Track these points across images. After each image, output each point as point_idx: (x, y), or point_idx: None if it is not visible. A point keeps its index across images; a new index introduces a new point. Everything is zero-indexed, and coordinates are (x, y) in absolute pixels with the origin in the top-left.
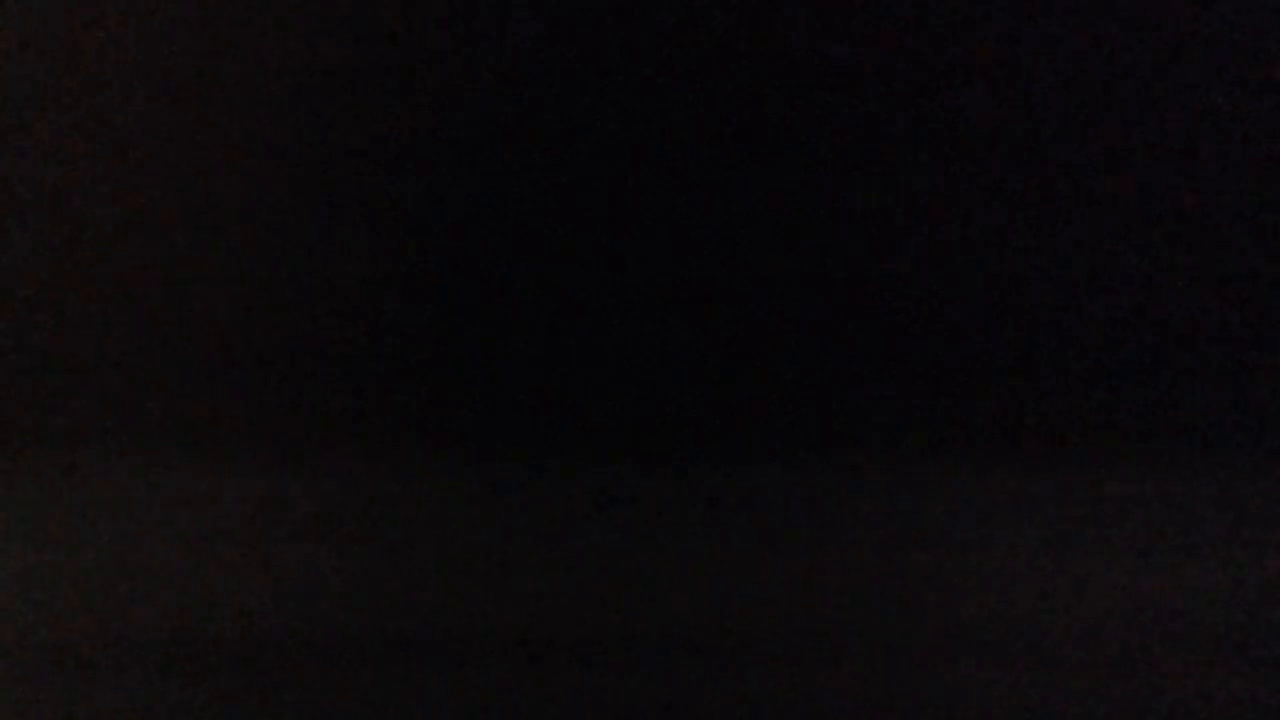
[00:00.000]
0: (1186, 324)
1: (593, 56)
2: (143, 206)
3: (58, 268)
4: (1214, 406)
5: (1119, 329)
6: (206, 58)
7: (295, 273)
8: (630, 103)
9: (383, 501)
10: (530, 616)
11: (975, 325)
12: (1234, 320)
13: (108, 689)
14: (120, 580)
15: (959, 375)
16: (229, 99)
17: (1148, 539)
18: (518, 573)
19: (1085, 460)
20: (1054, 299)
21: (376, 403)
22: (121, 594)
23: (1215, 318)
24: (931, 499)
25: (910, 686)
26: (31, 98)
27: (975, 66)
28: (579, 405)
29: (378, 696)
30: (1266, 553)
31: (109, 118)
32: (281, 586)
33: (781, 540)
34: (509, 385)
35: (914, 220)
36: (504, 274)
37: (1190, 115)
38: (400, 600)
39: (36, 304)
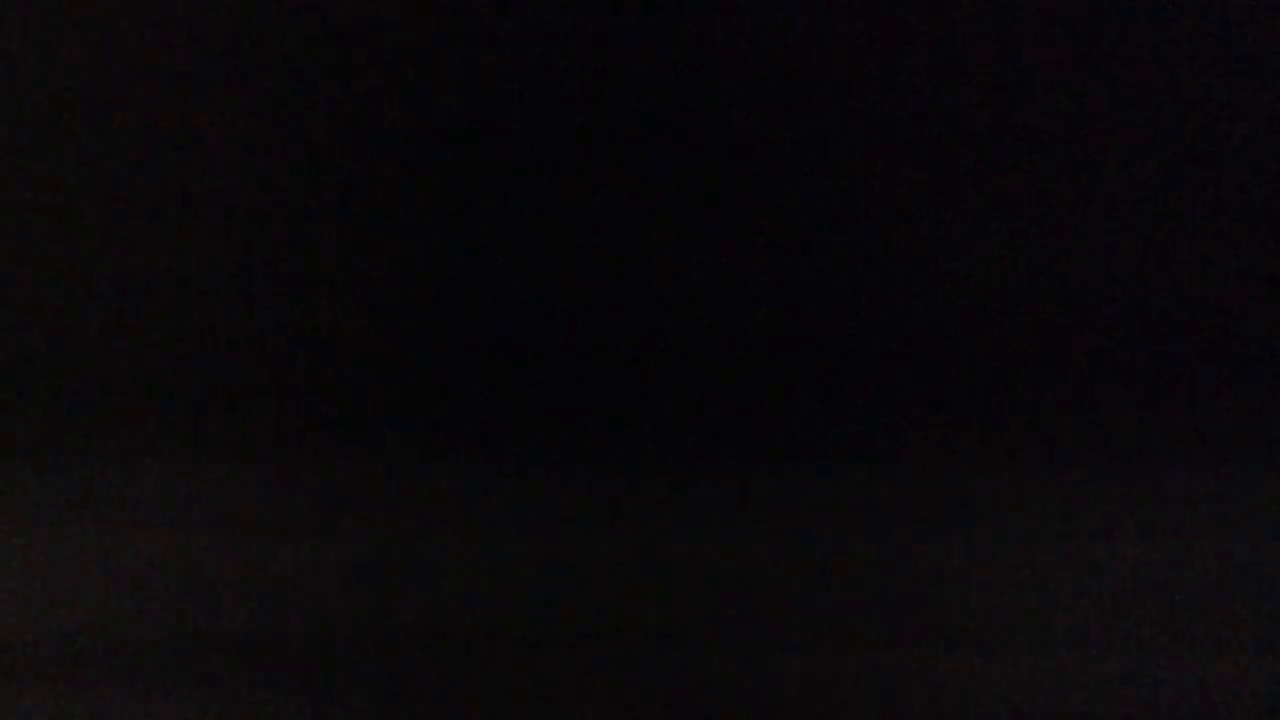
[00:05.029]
0: (1187, 326)
1: (592, 57)
2: (143, 206)
3: (57, 268)
4: (1214, 408)
5: (1120, 331)
6: (207, 58)
7: (295, 273)
8: (635, 103)
9: (385, 502)
10: (533, 617)
11: (976, 327)
12: (1234, 322)
13: (107, 689)
14: (120, 581)
15: (960, 377)
16: (230, 99)
17: (1147, 539)
18: (520, 573)
19: (1086, 462)
20: (1056, 302)
21: (379, 403)
22: (121, 594)
23: (1216, 319)
24: (933, 500)
25: (911, 684)
26: (31, 98)
27: (981, 68)
28: (583, 405)
29: (378, 697)
30: (1265, 554)
31: (109, 117)
32: (281, 587)
33: (781, 541)
34: (511, 385)
35: (916, 222)
36: (506, 275)
37: (1190, 116)
38: (402, 601)
39: (35, 305)
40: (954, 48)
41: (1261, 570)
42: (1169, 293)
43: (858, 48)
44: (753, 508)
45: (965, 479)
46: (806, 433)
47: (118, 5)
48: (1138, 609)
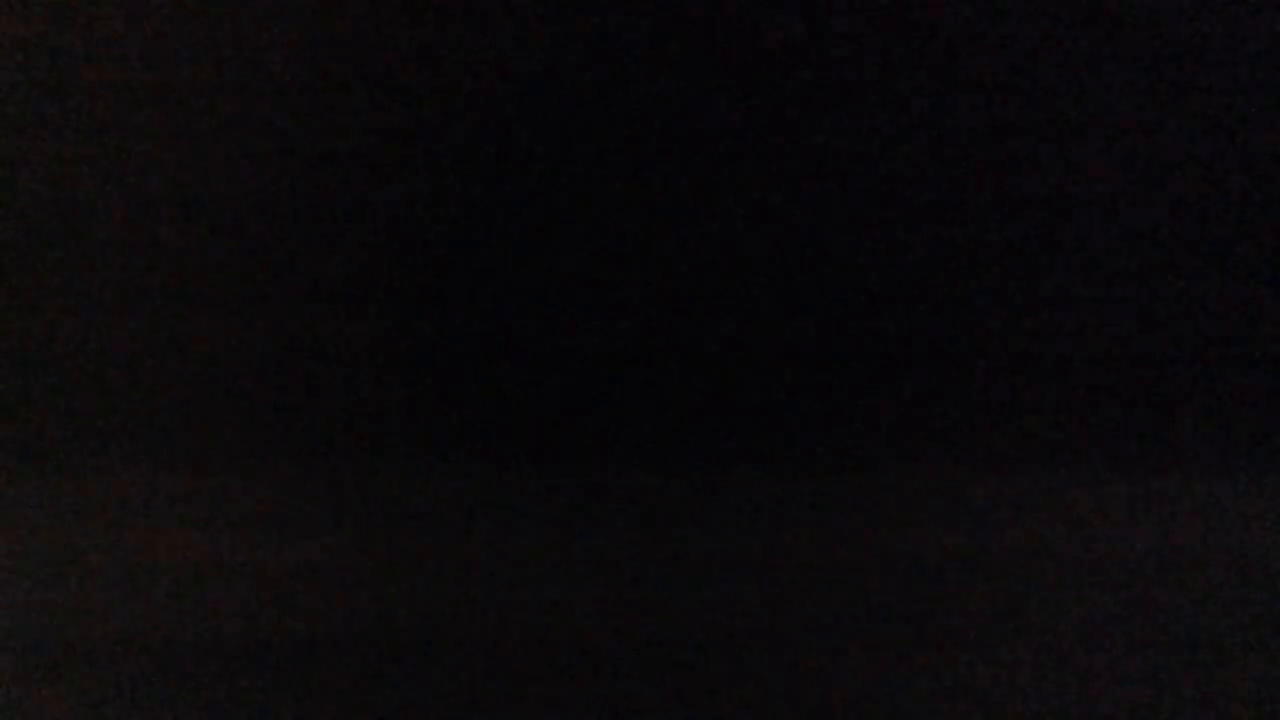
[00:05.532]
0: (1187, 326)
1: (592, 57)
2: (144, 207)
3: (57, 269)
4: (1214, 411)
5: (1120, 331)
6: (208, 59)
7: (294, 274)
8: (637, 103)
9: (385, 505)
10: (533, 619)
11: (975, 329)
12: (1234, 322)
13: (107, 689)
14: (122, 584)
15: (960, 380)
16: (231, 100)
17: (1144, 542)
18: (521, 576)
19: (1086, 463)
20: (1055, 303)
21: (380, 406)
22: (122, 595)
23: (1216, 319)
24: (933, 504)
25: (911, 688)
26: (31, 98)
27: (980, 68)
28: (584, 408)
29: (378, 698)
30: (1266, 555)
31: (110, 118)
32: (282, 589)
33: (782, 544)
34: (513, 388)
35: (915, 224)
36: (507, 278)
37: (1190, 117)
38: (402, 603)
39: (36, 306)
40: (954, 48)
41: (1262, 571)
42: (1169, 293)
43: (857, 47)
44: (753, 510)
45: (965, 482)
46: (807, 436)
47: (119, 6)
48: (1137, 610)
